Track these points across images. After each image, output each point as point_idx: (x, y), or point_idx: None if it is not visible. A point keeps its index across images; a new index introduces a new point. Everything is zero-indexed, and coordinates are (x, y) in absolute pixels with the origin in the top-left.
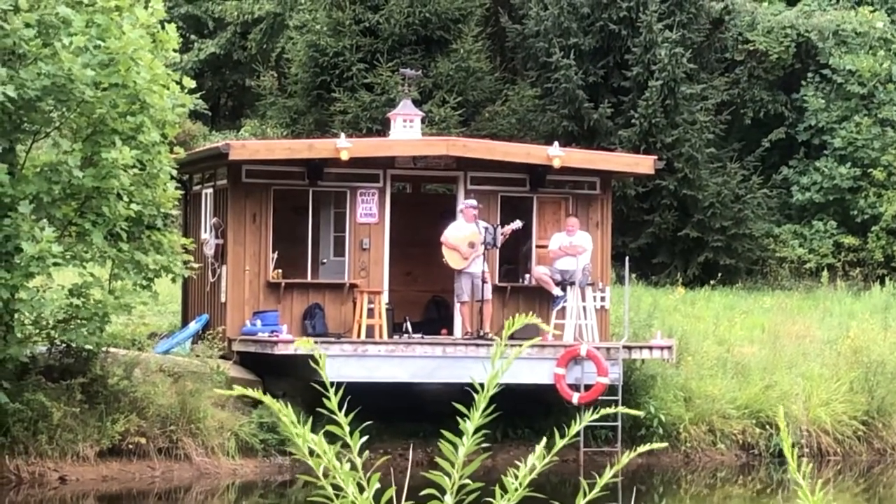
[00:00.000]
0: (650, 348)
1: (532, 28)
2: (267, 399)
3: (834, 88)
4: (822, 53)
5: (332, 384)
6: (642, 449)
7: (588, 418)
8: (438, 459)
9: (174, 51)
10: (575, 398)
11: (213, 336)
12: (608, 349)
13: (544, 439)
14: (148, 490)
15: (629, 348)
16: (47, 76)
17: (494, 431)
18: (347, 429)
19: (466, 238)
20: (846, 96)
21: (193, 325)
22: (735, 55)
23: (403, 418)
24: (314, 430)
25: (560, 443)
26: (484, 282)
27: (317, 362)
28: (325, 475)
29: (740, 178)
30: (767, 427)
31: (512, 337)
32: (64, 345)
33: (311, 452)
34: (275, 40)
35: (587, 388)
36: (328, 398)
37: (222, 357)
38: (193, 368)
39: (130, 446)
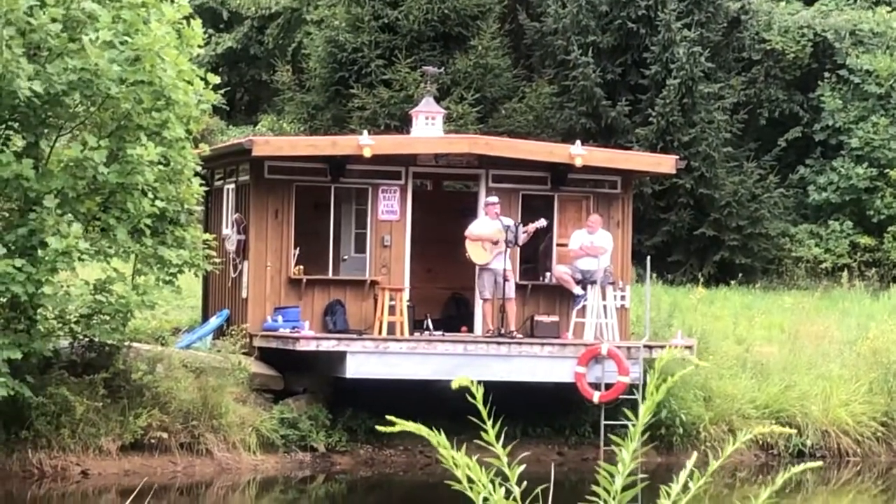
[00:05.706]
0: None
1: (550, 25)
2: (413, 426)
3: (851, 88)
4: (838, 53)
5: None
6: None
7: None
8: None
9: (199, 46)
10: (596, 397)
11: (235, 332)
12: (629, 348)
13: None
14: (170, 484)
15: (650, 347)
16: (73, 71)
17: (514, 429)
18: (505, 459)
19: (491, 234)
20: (863, 96)
21: (214, 321)
22: (752, 55)
23: (422, 415)
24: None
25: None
26: (506, 280)
27: (340, 359)
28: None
29: (757, 177)
30: (787, 427)
31: (532, 335)
32: (87, 339)
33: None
34: (292, 35)
35: (608, 386)
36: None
37: (244, 353)
38: (215, 364)
39: (152, 441)
